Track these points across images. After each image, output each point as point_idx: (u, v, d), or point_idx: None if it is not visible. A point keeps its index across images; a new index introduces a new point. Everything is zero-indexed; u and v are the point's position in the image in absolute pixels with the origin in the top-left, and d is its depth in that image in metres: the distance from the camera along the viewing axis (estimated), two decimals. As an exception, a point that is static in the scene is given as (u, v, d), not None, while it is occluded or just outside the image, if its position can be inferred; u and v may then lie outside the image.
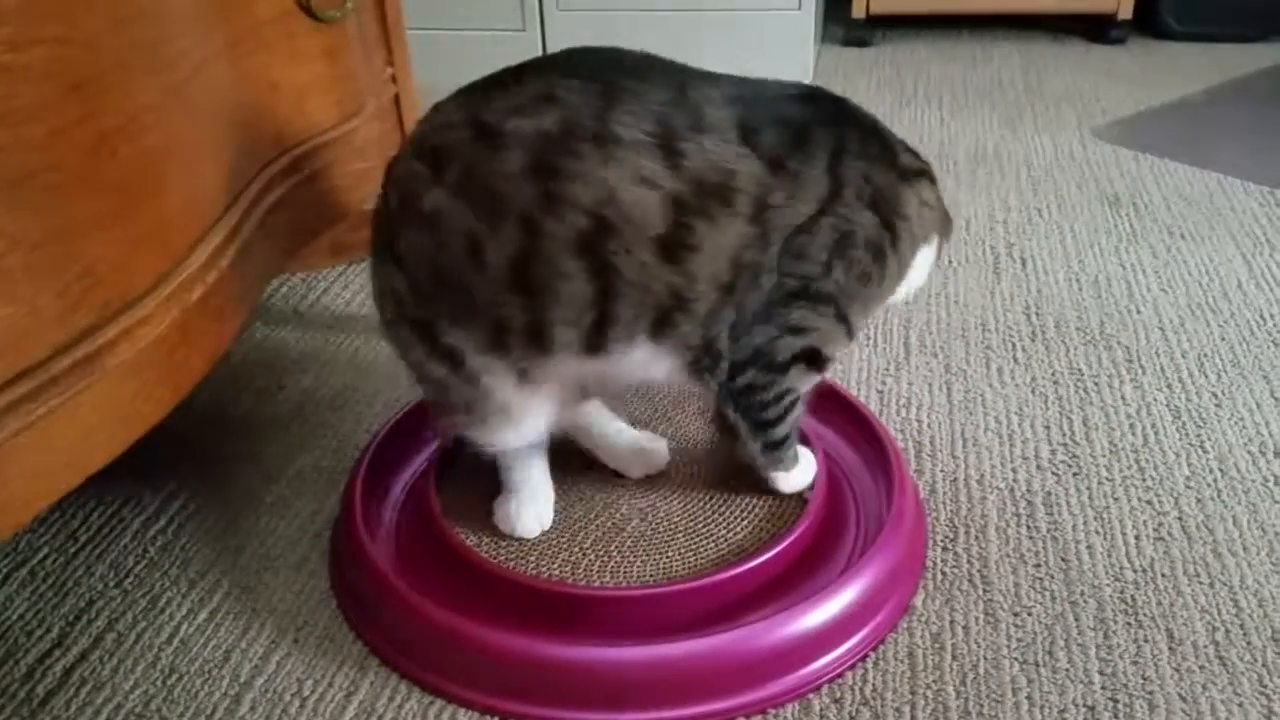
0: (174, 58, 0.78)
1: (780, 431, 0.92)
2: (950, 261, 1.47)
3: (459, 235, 0.78)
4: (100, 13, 0.69)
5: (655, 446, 1.03)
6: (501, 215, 0.77)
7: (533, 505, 0.96)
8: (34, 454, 0.67)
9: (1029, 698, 0.83)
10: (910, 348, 1.28)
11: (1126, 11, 2.39)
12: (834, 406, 1.10)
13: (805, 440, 1.01)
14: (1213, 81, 2.17)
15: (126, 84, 0.72)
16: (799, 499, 0.98)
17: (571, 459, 1.03)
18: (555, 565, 0.93)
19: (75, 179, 0.68)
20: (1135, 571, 0.95)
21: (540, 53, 2.21)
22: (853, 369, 1.25)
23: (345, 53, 1.02)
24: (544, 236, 0.76)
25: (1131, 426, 1.14)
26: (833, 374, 1.22)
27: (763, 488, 0.98)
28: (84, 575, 0.98)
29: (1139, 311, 1.35)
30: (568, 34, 2.15)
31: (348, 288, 1.46)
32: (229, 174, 0.86)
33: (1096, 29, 2.46)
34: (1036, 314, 1.35)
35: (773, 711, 0.83)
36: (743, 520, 0.97)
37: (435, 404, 0.92)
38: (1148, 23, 2.45)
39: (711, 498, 0.99)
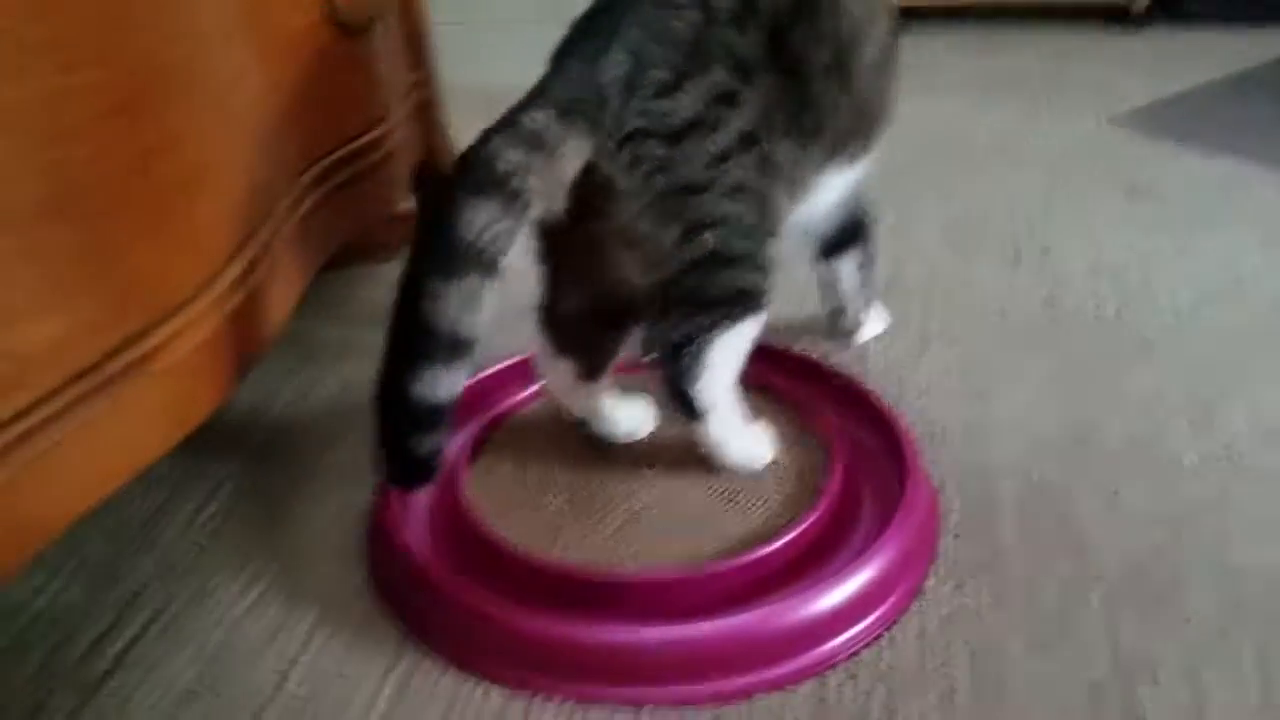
0: (210, 74, 0.82)
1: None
2: (970, 251, 1.50)
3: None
4: (144, 36, 0.74)
5: (646, 411, 1.11)
6: None
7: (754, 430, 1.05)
8: (88, 453, 0.72)
9: (1036, 676, 0.87)
10: (929, 337, 1.32)
11: (1145, -3, 2.41)
12: (850, 396, 1.14)
13: (821, 430, 1.05)
14: (1231, 69, 2.18)
15: (166, 102, 0.77)
16: (814, 488, 1.02)
17: (590, 452, 1.08)
18: (579, 551, 0.97)
19: (119, 194, 0.73)
20: (1144, 555, 0.98)
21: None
22: (871, 360, 1.28)
23: (373, 62, 1.07)
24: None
25: (1145, 413, 1.16)
26: (850, 364, 1.26)
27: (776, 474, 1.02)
28: (134, 563, 1.03)
29: (1155, 300, 1.37)
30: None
31: (379, 284, 1.51)
32: (264, 184, 0.91)
33: (1115, 16, 2.47)
34: (1054, 303, 1.38)
35: (790, 688, 0.87)
36: (759, 508, 1.01)
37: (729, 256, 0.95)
38: (1168, 7, 2.46)
39: (728, 486, 1.03)
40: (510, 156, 0.82)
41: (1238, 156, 1.75)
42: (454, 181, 0.82)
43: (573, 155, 0.85)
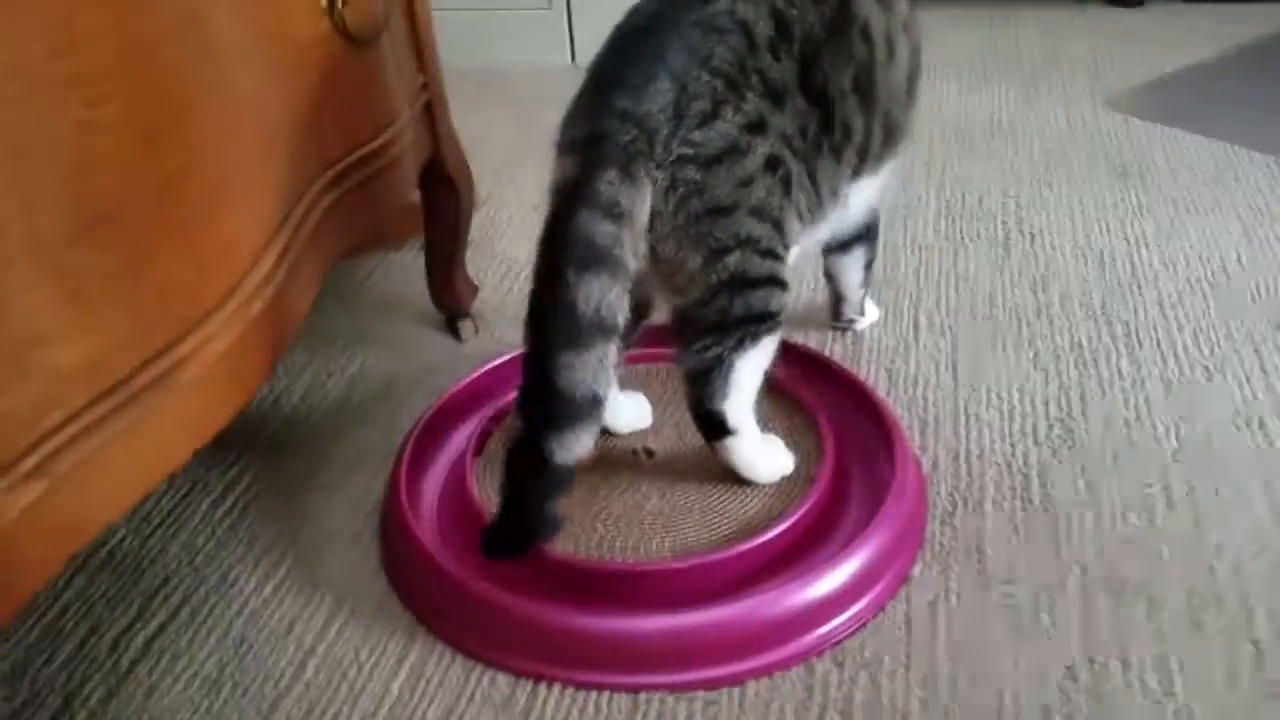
0: (229, 95, 0.86)
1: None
2: (963, 238, 1.54)
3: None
4: (167, 66, 0.77)
5: (643, 405, 1.16)
6: None
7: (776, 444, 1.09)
8: (120, 461, 0.76)
9: (1014, 661, 0.91)
10: (920, 327, 1.36)
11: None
12: (840, 385, 1.19)
13: (813, 420, 1.09)
14: (1227, 46, 2.19)
15: (189, 126, 0.81)
16: (806, 476, 1.06)
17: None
18: (581, 541, 1.02)
19: (145, 216, 0.77)
20: (1120, 541, 1.02)
21: (566, 33, 2.29)
22: (864, 350, 1.32)
23: (381, 69, 1.10)
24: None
25: (1125, 401, 1.21)
26: (843, 354, 1.30)
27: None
28: (159, 554, 1.09)
29: (1139, 286, 1.41)
30: (594, 14, 2.21)
31: (389, 274, 1.55)
32: (281, 193, 0.95)
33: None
34: (1042, 289, 1.42)
35: (779, 674, 0.92)
36: (754, 498, 1.05)
37: (756, 277, 0.98)
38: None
39: (725, 478, 1.07)
40: (605, 229, 0.87)
41: (1230, 139, 1.77)
42: (559, 259, 0.87)
43: (643, 208, 0.90)
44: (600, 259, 0.87)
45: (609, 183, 0.87)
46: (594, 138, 0.89)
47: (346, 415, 1.27)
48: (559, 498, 0.92)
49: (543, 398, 0.89)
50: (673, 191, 0.91)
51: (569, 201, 0.88)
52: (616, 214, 0.87)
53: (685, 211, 0.91)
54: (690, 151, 0.90)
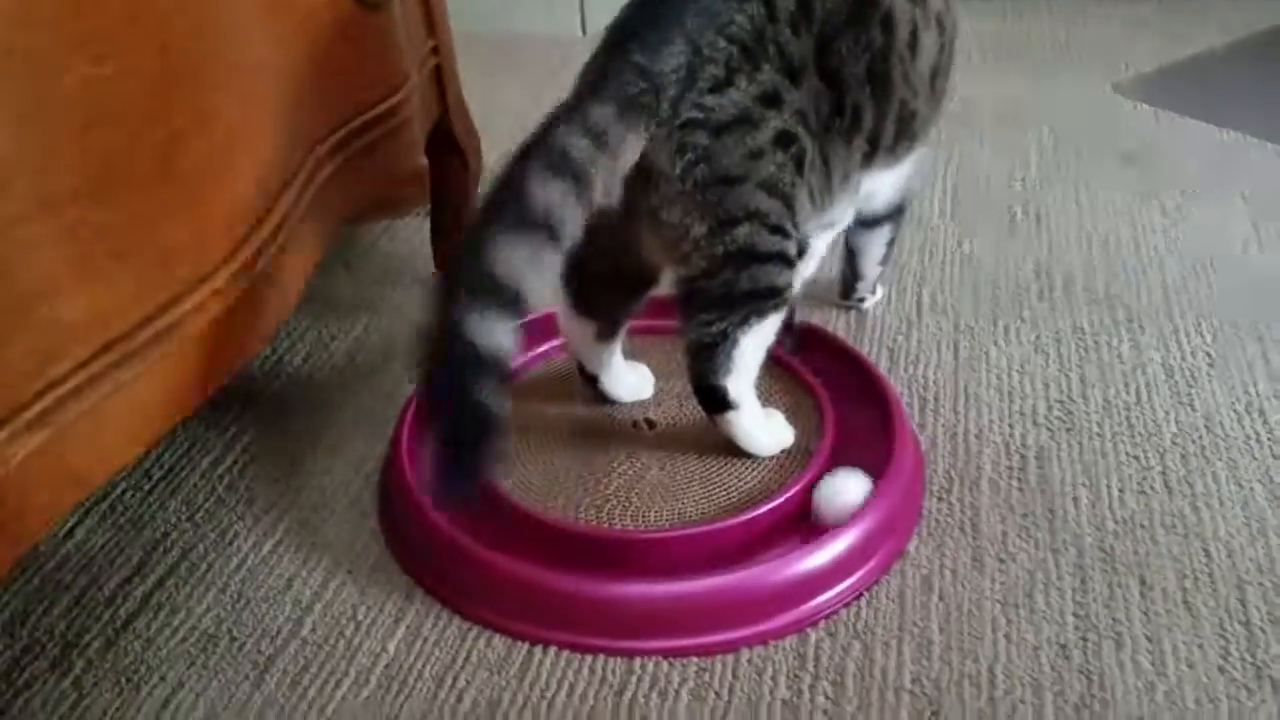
0: (236, 55, 0.86)
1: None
2: (968, 219, 1.54)
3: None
4: (173, 25, 0.77)
5: (645, 375, 1.17)
6: None
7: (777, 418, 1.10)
8: (125, 412, 0.77)
9: (1006, 636, 0.92)
10: (922, 306, 1.36)
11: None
12: (841, 362, 1.19)
13: (813, 395, 1.10)
14: (1241, 32, 2.18)
15: (195, 86, 0.81)
16: (805, 451, 1.07)
17: (592, 412, 1.14)
18: (581, 508, 1.03)
19: (152, 174, 0.77)
20: (1115, 522, 1.03)
21: (579, 4, 2.29)
22: (866, 327, 1.32)
23: (390, 31, 1.10)
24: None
25: (1125, 384, 1.21)
26: (845, 331, 1.30)
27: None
28: (159, 509, 1.09)
29: (1144, 271, 1.41)
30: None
31: (394, 240, 1.55)
32: (287, 155, 0.95)
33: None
34: (1046, 272, 1.42)
35: (773, 643, 0.93)
36: (753, 470, 1.06)
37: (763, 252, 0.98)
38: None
39: (725, 450, 1.08)
40: (582, 146, 0.86)
41: (1240, 127, 1.77)
42: (529, 160, 0.85)
43: (630, 152, 0.89)
44: (567, 169, 0.85)
45: (603, 114, 0.87)
46: (603, 78, 0.89)
47: (348, 379, 1.27)
48: (492, 414, 0.84)
49: (464, 266, 0.85)
50: (680, 155, 0.90)
51: (556, 118, 0.87)
52: (600, 139, 0.86)
53: (692, 178, 0.91)
54: (700, 116, 0.90)
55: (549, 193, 0.85)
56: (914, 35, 1.03)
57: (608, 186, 0.88)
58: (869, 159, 1.06)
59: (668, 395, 1.16)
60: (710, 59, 0.90)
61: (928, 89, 1.08)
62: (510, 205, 0.85)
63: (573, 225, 0.86)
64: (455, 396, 0.85)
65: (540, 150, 0.86)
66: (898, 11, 1.01)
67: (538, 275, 0.85)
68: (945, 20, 1.10)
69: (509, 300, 0.84)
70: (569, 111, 0.88)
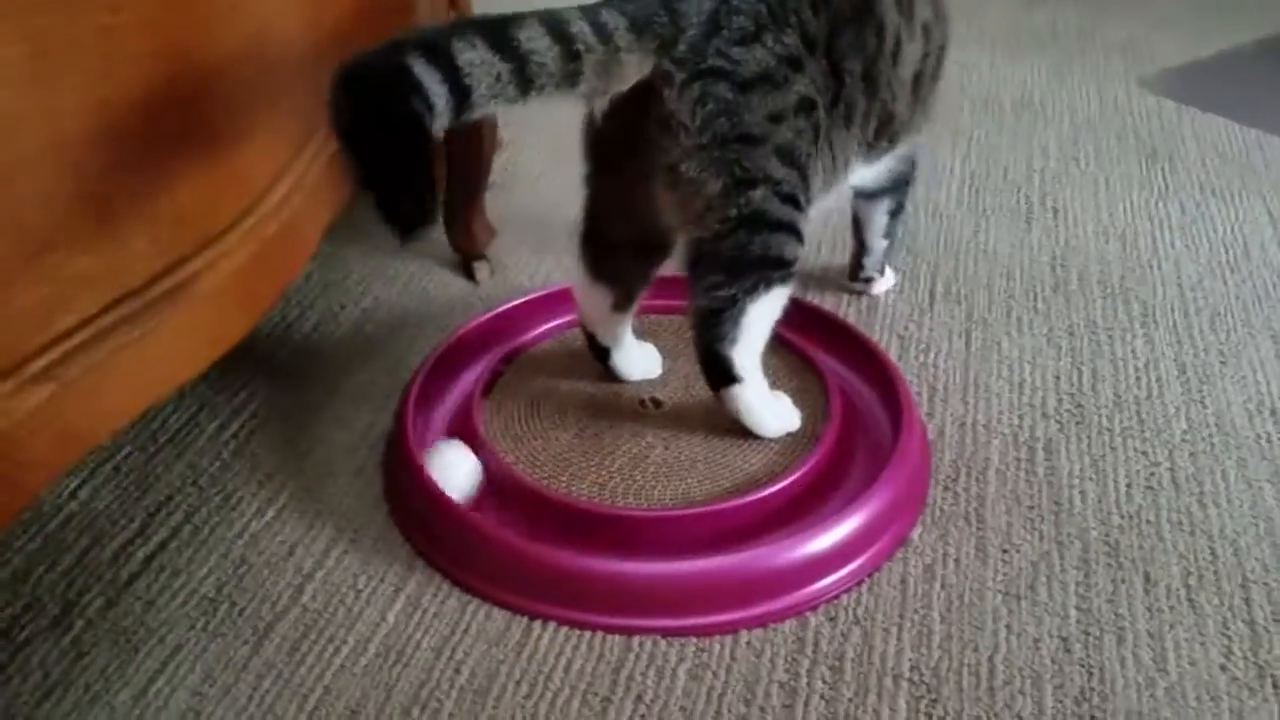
0: (252, 11, 0.86)
1: None
2: (985, 209, 1.53)
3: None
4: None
5: (652, 355, 1.17)
6: None
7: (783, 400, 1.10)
8: (131, 368, 0.77)
9: (1008, 626, 0.92)
10: (936, 295, 1.35)
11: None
12: (852, 349, 1.18)
13: (822, 380, 1.09)
14: (1265, 32, 2.16)
15: (210, 41, 0.80)
16: (812, 435, 1.06)
17: (600, 390, 1.13)
18: (585, 485, 1.02)
19: (166, 130, 0.77)
20: (1122, 517, 1.02)
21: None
22: (878, 314, 1.31)
23: (410, -3, 1.10)
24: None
25: (1137, 380, 1.20)
26: (857, 318, 1.29)
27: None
28: (163, 472, 1.09)
29: (1160, 267, 1.40)
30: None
31: (407, 212, 1.54)
32: (300, 117, 0.95)
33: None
34: (1062, 265, 1.41)
35: (773, 625, 0.92)
36: (758, 453, 1.05)
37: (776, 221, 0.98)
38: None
39: (730, 431, 1.07)
40: (583, 28, 0.85)
41: (1263, 125, 1.75)
42: (529, 14, 0.84)
43: (633, 65, 0.89)
44: (560, 36, 0.83)
45: (615, 20, 0.86)
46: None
47: (356, 349, 1.27)
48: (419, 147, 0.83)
49: (431, 35, 0.81)
50: (701, 106, 0.90)
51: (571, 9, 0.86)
52: (603, 34, 0.86)
53: (711, 130, 0.91)
54: (727, 66, 0.90)
55: (536, 42, 0.83)
56: (898, 44, 1.05)
57: (592, 84, 0.87)
58: (862, 148, 1.07)
59: (675, 376, 1.16)
60: (739, 10, 0.90)
61: (908, 94, 1.09)
62: (498, 27, 0.83)
63: (544, 81, 0.84)
64: (382, 133, 0.82)
65: (546, 13, 0.85)
66: (889, 21, 1.03)
67: (487, 90, 0.82)
68: (933, 30, 1.11)
69: (456, 85, 0.81)
70: (585, 8, 0.87)
